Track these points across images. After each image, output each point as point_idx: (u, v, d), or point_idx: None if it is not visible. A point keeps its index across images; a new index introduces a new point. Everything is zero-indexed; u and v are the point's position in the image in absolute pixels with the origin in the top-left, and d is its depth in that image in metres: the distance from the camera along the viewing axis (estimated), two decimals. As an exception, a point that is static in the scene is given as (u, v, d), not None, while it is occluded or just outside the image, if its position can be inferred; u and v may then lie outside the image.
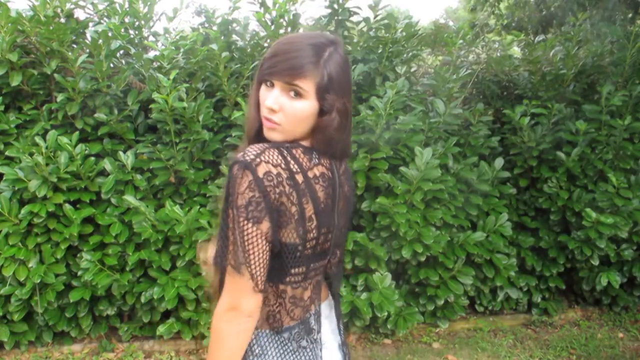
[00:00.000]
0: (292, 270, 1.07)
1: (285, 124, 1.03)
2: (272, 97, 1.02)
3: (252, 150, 1.00)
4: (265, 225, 0.99)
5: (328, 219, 1.09)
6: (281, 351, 1.09)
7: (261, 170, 0.97)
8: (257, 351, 1.09)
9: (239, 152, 1.03)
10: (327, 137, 1.06)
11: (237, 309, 1.01)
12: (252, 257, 0.99)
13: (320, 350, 1.15)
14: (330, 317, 1.24)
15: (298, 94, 1.02)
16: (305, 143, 1.08)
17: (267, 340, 1.09)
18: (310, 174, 1.05)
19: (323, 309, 1.20)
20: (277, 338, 1.09)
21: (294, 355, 1.10)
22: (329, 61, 1.03)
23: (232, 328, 1.02)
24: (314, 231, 1.06)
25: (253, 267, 0.99)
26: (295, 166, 1.02)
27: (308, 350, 1.11)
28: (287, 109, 1.02)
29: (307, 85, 1.01)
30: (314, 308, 1.14)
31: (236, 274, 0.99)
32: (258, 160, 0.98)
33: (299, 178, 1.02)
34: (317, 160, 1.07)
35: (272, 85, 1.03)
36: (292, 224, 1.02)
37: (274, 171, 0.99)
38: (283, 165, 1.00)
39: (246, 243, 0.98)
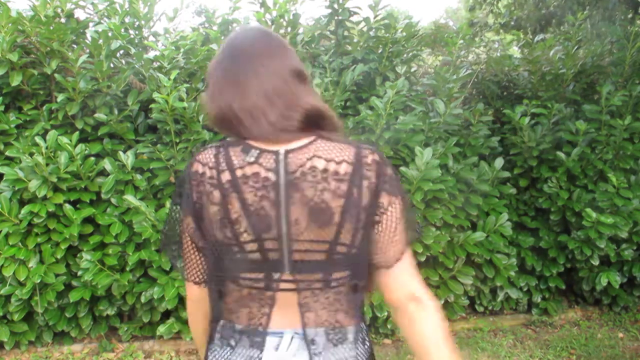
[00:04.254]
0: (243, 274, 1.01)
1: None
2: None
3: (200, 149, 1.05)
4: (187, 221, 1.04)
5: (266, 224, 0.98)
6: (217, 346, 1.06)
7: (192, 169, 1.02)
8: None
9: None
10: (225, 128, 1.06)
11: (187, 291, 1.12)
12: (182, 248, 1.09)
13: None
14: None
15: None
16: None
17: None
18: (239, 173, 0.98)
19: (288, 341, 1.03)
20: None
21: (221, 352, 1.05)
22: (218, 57, 1.07)
23: (187, 305, 1.15)
24: (245, 234, 0.98)
25: (183, 258, 1.09)
26: (224, 164, 1.00)
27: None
28: None
29: None
30: (274, 327, 1.02)
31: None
32: (193, 159, 1.04)
33: (225, 177, 0.99)
34: (253, 159, 0.99)
35: None
36: (214, 223, 1.00)
37: (200, 170, 1.01)
38: (210, 164, 1.01)
39: (178, 235, 1.08)
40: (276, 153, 0.99)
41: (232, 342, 1.04)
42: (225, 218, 0.98)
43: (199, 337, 1.16)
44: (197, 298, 1.11)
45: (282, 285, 1.01)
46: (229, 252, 1.01)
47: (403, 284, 1.06)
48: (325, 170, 0.99)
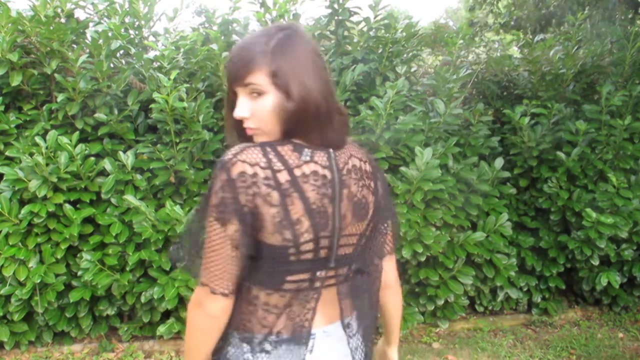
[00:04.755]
0: (289, 277, 1.00)
1: (261, 125, 1.00)
2: (239, 107, 1.00)
3: (232, 150, 0.97)
4: (232, 228, 0.94)
5: (325, 221, 1.00)
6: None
7: (235, 170, 0.94)
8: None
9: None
10: (302, 128, 0.99)
11: (201, 306, 1.00)
12: (212, 258, 0.96)
13: None
14: (338, 346, 1.10)
15: (257, 92, 0.98)
16: (297, 139, 1.02)
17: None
18: (297, 172, 0.97)
19: (330, 331, 1.09)
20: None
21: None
22: (279, 47, 0.97)
23: (196, 322, 1.02)
24: (305, 234, 0.98)
25: (211, 268, 0.97)
26: (279, 164, 0.96)
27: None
28: (255, 111, 0.99)
29: (260, 79, 0.97)
30: (313, 325, 1.05)
31: (203, 272, 0.98)
32: (234, 159, 0.95)
33: (282, 177, 0.96)
34: (308, 158, 0.99)
35: (237, 93, 1.01)
36: (273, 226, 0.95)
37: (250, 171, 0.94)
38: (262, 164, 0.95)
39: (210, 243, 0.96)
40: (327, 151, 1.03)
41: (268, 347, 1.02)
42: (286, 220, 0.96)
43: (204, 356, 1.06)
44: (222, 312, 1.00)
45: (327, 282, 1.05)
46: (283, 255, 0.98)
47: (394, 267, 1.26)
48: (360, 169, 1.08)
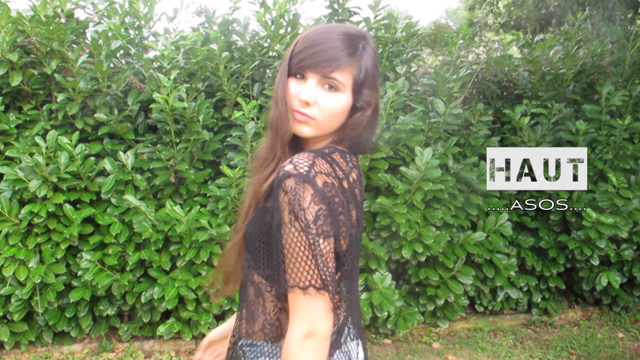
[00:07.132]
0: (342, 284, 0.99)
1: (319, 117, 0.97)
2: (307, 90, 0.96)
3: (302, 162, 0.93)
4: (333, 240, 0.93)
5: (363, 226, 1.08)
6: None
7: (320, 182, 0.91)
8: None
9: (265, 157, 1.03)
10: (357, 135, 1.01)
11: (315, 334, 0.91)
12: (329, 273, 0.91)
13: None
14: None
15: (334, 87, 0.97)
16: (332, 142, 1.03)
17: None
18: (350, 179, 1.00)
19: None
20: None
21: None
22: (364, 54, 0.98)
23: (312, 357, 0.91)
24: (357, 235, 1.02)
25: (334, 284, 0.92)
26: (340, 172, 0.97)
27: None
28: (323, 103, 0.97)
29: (345, 78, 0.97)
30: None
31: (317, 295, 0.91)
32: (313, 171, 0.92)
33: (345, 184, 0.98)
34: (352, 164, 1.02)
35: (303, 77, 0.98)
36: (346, 232, 0.96)
37: (329, 181, 0.93)
38: (333, 174, 0.95)
39: (325, 260, 0.91)
40: (356, 155, 1.07)
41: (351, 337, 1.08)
42: (350, 225, 0.98)
43: None
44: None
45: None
46: (343, 259, 0.98)
47: None
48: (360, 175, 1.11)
